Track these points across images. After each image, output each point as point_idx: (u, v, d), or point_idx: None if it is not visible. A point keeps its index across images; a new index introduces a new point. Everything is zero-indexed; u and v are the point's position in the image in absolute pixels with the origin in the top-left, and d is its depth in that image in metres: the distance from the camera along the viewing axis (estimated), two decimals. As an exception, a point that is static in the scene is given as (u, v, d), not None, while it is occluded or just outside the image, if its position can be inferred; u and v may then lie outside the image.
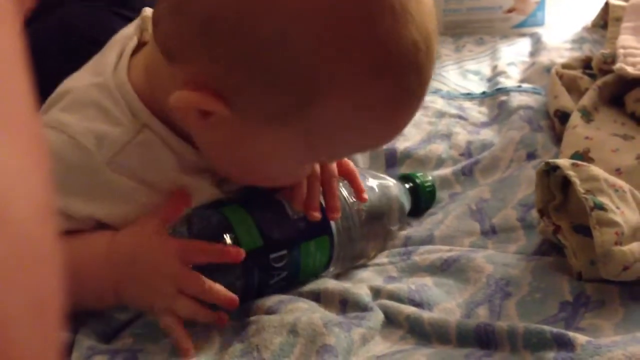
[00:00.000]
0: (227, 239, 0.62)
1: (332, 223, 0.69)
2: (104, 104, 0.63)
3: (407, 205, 0.82)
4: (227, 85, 0.55)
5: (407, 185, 0.84)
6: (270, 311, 0.62)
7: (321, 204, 0.68)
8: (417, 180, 0.86)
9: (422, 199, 0.86)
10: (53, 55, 0.95)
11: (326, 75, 0.53)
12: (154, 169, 0.64)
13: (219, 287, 0.60)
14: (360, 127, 0.58)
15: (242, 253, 0.60)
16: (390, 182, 0.80)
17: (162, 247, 0.61)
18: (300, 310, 0.62)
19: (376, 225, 0.74)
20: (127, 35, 0.69)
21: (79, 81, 0.67)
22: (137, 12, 1.03)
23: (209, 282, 0.60)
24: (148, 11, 0.69)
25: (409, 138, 1.03)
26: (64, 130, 0.62)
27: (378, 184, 0.76)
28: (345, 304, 0.64)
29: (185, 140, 0.65)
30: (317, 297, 0.66)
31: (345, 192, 0.72)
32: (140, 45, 0.68)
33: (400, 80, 0.55)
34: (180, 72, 0.57)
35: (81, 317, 0.67)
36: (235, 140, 0.60)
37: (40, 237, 0.25)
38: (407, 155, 0.99)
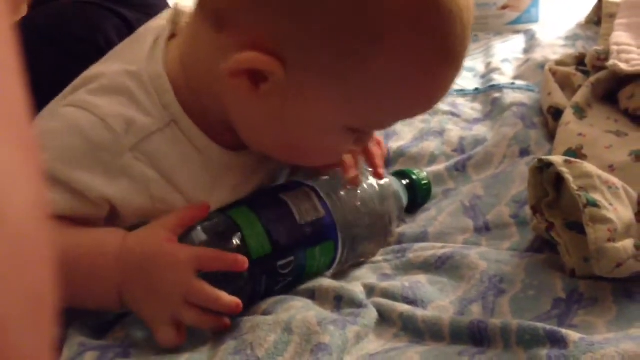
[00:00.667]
0: (236, 241, 0.62)
1: (337, 227, 0.69)
2: (136, 93, 0.64)
3: (404, 201, 0.82)
4: (285, 42, 0.57)
5: (403, 182, 0.84)
6: (266, 313, 0.62)
7: (327, 206, 0.68)
8: (414, 177, 0.86)
9: (418, 195, 0.86)
10: (43, 53, 0.95)
11: (383, 24, 0.55)
12: (175, 163, 0.65)
13: (225, 296, 0.59)
14: (412, 83, 0.60)
15: (247, 262, 0.59)
16: (389, 178, 0.79)
17: (172, 256, 0.60)
18: (295, 308, 0.61)
19: (378, 225, 0.74)
20: (158, 26, 0.70)
21: (108, 67, 0.67)
22: (130, 9, 1.03)
23: (216, 292, 0.59)
24: (180, 5, 0.70)
25: (402, 137, 1.03)
26: (92, 112, 0.63)
27: (378, 181, 0.76)
28: (340, 301, 0.64)
29: (213, 140, 0.66)
30: (311, 294, 0.66)
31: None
32: (171, 37, 0.68)
33: (450, 31, 0.58)
34: (230, 41, 0.58)
35: (74, 309, 0.67)
36: (285, 108, 0.61)
37: (36, 237, 0.25)
38: (400, 154, 0.99)
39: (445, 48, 0.58)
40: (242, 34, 0.57)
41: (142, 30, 0.71)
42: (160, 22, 0.70)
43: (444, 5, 0.56)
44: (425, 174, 0.88)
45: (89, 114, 0.63)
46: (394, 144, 1.00)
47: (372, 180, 0.75)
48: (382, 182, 0.77)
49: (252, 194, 0.70)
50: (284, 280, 0.65)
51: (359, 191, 0.72)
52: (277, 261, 0.64)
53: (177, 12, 0.69)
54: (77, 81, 0.67)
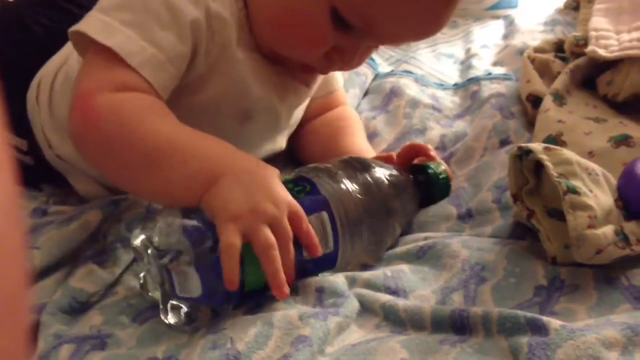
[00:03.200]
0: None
1: (339, 257, 0.67)
2: None
3: (415, 201, 0.78)
4: None
5: (419, 177, 0.79)
6: (247, 314, 0.62)
7: (337, 233, 0.66)
8: (430, 171, 0.79)
9: (435, 192, 0.80)
10: None
11: None
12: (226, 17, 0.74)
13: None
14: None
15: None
16: (396, 172, 0.75)
17: (275, 186, 0.63)
18: (276, 309, 0.61)
19: (382, 229, 0.71)
20: None
21: None
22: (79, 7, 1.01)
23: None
24: None
25: (384, 137, 1.03)
26: None
27: (389, 176, 0.73)
28: (322, 292, 0.64)
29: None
30: (294, 288, 0.65)
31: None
32: None
33: None
34: None
35: (48, 288, 0.67)
36: None
37: (6, 234, 0.25)
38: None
39: None
40: None
41: None
42: None
43: None
44: (443, 167, 0.81)
45: None
46: (377, 147, 1.00)
47: (379, 172, 0.73)
48: (393, 175, 0.74)
49: None
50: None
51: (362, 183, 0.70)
52: (266, 292, 0.62)
53: None
54: None
